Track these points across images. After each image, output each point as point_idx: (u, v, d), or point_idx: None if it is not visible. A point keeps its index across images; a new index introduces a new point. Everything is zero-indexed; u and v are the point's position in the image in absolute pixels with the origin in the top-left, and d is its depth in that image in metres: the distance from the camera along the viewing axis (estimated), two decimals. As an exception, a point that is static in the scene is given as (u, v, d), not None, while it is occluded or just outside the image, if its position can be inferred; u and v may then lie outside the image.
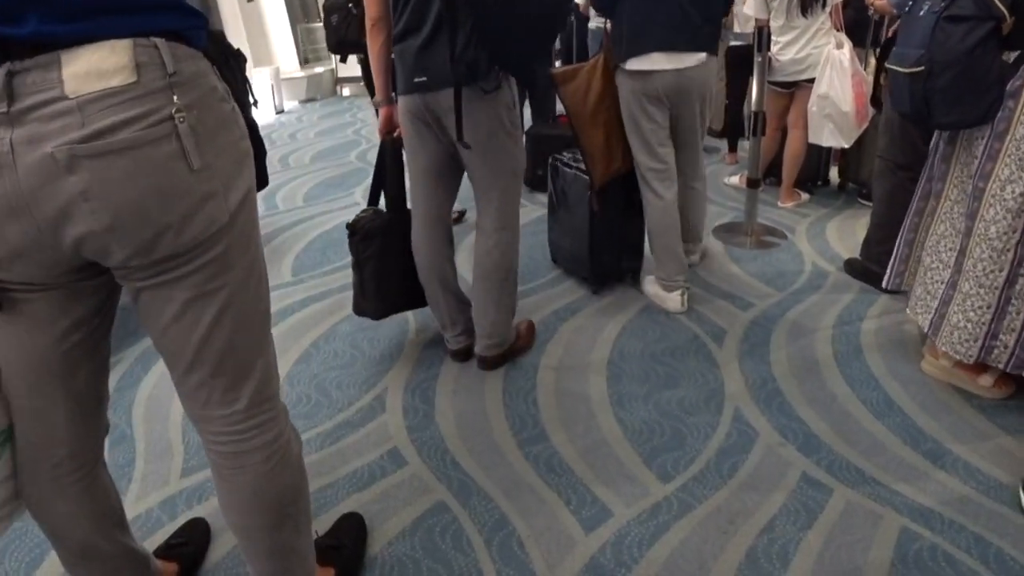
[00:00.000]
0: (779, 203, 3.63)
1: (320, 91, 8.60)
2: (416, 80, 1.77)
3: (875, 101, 3.07)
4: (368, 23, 1.81)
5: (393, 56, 1.85)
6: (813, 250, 3.05)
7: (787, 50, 3.25)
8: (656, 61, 2.18)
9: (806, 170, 3.72)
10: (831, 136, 3.28)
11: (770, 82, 3.31)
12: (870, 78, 3.25)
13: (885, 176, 2.54)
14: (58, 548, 1.10)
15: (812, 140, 3.38)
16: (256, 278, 0.97)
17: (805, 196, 3.71)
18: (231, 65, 1.71)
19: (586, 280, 2.69)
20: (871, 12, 3.59)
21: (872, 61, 3.47)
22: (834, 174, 3.95)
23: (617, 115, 2.36)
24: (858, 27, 3.61)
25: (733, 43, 4.15)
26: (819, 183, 3.90)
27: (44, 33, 0.74)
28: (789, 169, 3.57)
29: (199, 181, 0.84)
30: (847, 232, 3.26)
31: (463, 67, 1.67)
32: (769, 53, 3.04)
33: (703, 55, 2.21)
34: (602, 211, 2.46)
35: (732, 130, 4.45)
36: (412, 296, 2.16)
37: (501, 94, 1.77)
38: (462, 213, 3.46)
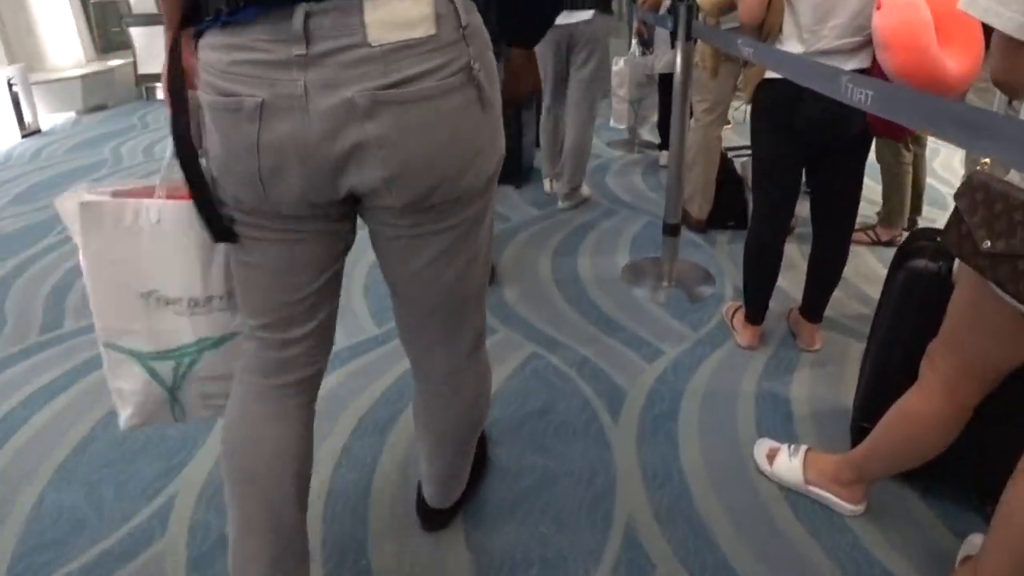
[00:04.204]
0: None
1: (113, 95, 6.09)
2: None
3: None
4: None
5: None
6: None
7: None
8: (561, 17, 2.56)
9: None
10: None
11: (1001, 283, 0.92)
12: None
13: None
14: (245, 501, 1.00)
15: None
16: (489, 229, 1.00)
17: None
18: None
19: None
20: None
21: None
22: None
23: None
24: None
25: (770, 75, 1.71)
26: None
27: None
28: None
29: (485, 131, 0.86)
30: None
31: None
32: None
33: (589, 12, 2.80)
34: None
35: (756, 259, 1.95)
36: None
37: None
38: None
